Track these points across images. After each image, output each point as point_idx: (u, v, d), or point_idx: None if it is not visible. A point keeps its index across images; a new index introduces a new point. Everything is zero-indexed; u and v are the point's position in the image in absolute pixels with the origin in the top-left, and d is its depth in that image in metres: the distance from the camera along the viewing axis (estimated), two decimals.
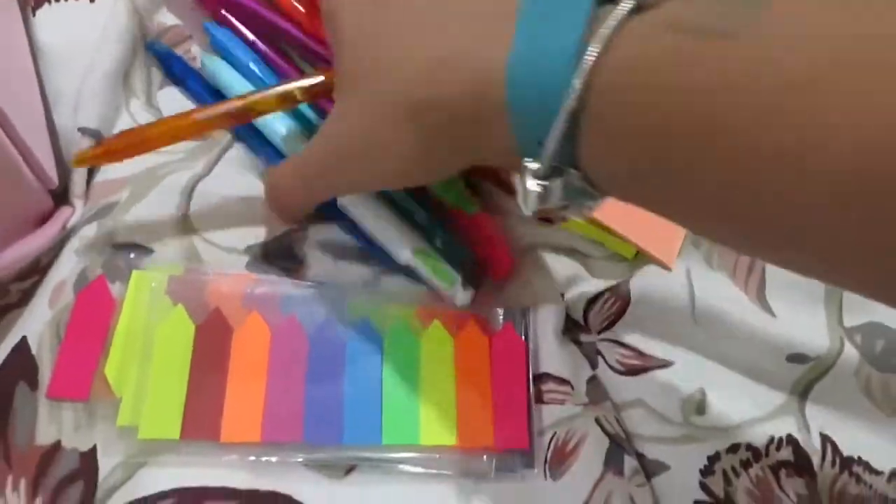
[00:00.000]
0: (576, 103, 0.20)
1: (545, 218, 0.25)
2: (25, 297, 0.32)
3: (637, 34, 0.20)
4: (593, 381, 0.33)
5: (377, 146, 0.26)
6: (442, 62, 0.24)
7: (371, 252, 0.34)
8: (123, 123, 0.36)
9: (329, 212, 0.33)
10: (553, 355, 0.33)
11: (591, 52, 0.20)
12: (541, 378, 0.32)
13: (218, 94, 0.36)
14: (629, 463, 0.31)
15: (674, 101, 0.19)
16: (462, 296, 0.32)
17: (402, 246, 0.32)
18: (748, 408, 0.33)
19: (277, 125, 0.34)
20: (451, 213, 0.34)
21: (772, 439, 0.32)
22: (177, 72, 0.37)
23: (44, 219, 0.33)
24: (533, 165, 0.23)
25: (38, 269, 0.32)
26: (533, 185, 0.23)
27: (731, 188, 0.19)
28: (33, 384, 0.30)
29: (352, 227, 0.33)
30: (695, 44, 0.19)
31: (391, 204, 0.33)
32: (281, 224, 0.34)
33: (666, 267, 0.34)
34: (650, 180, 0.21)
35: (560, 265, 0.35)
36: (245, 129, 0.35)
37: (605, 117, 0.21)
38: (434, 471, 0.30)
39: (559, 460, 0.31)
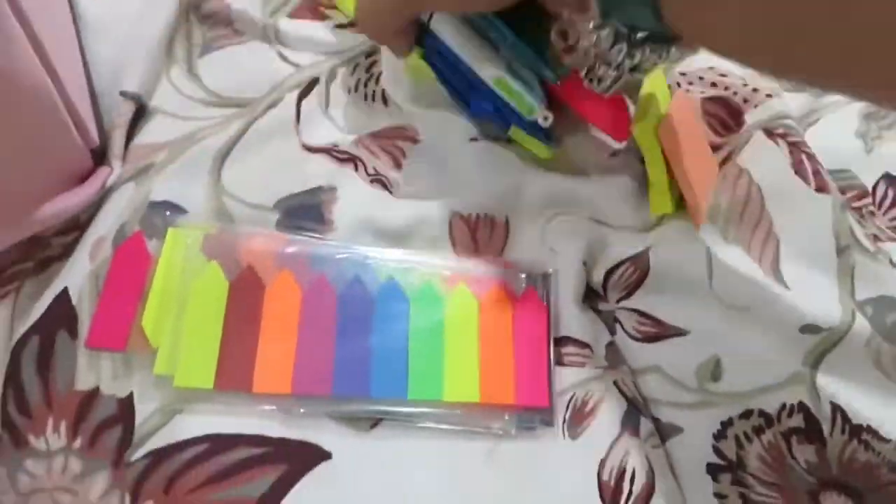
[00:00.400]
0: None
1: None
2: (67, 251, 0.33)
3: None
4: (612, 346, 0.34)
5: None
6: None
7: (452, 96, 0.35)
8: (163, 90, 0.37)
9: (422, 40, 0.34)
10: (573, 320, 0.34)
11: None
12: (561, 341, 0.33)
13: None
14: (645, 425, 0.32)
15: None
16: (542, 119, 0.33)
17: (486, 66, 0.33)
18: (761, 376, 0.33)
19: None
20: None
21: (783, 406, 0.33)
22: None
23: (84, 177, 0.34)
24: None
25: (78, 225, 0.34)
26: None
27: None
28: (73, 333, 0.31)
29: (441, 62, 0.34)
30: None
31: (479, 32, 0.34)
32: (374, 40, 0.35)
33: (696, 223, 0.35)
34: None
35: (582, 234, 0.36)
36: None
37: None
38: (456, 427, 0.31)
39: (578, 420, 0.32)
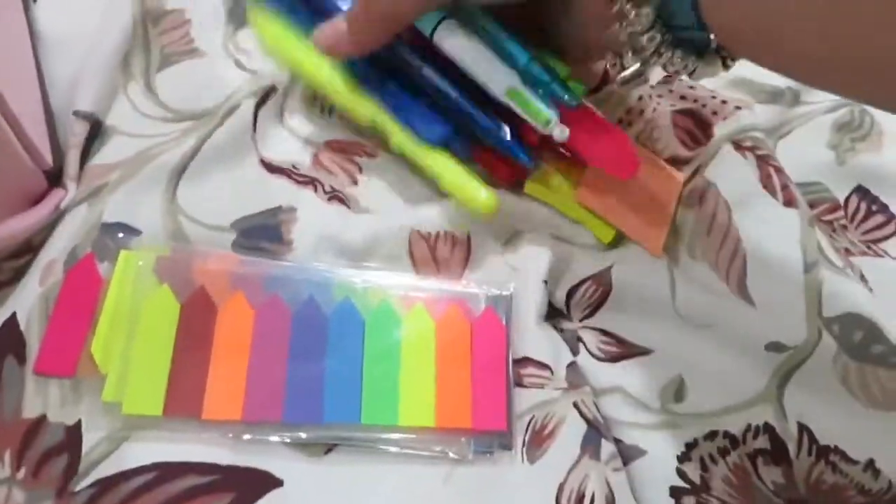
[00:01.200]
0: None
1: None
2: (17, 275, 0.33)
3: None
4: (573, 366, 0.33)
5: None
6: None
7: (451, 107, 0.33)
8: (121, 108, 0.37)
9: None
10: (534, 340, 0.33)
11: None
12: (521, 362, 0.33)
13: None
14: (606, 447, 0.31)
15: None
16: (559, 132, 0.31)
17: (498, 77, 0.32)
18: (726, 396, 0.33)
19: None
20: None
21: (749, 427, 0.32)
22: None
23: (38, 199, 0.34)
24: None
25: (31, 248, 0.33)
26: None
27: None
28: (21, 359, 0.30)
29: (442, 71, 0.33)
30: None
31: (488, 42, 0.32)
32: (366, 43, 0.33)
33: (654, 254, 0.35)
34: None
35: (543, 253, 0.35)
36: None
37: None
38: (412, 451, 0.30)
39: (537, 443, 0.31)
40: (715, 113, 0.38)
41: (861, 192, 0.39)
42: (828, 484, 0.32)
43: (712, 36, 0.29)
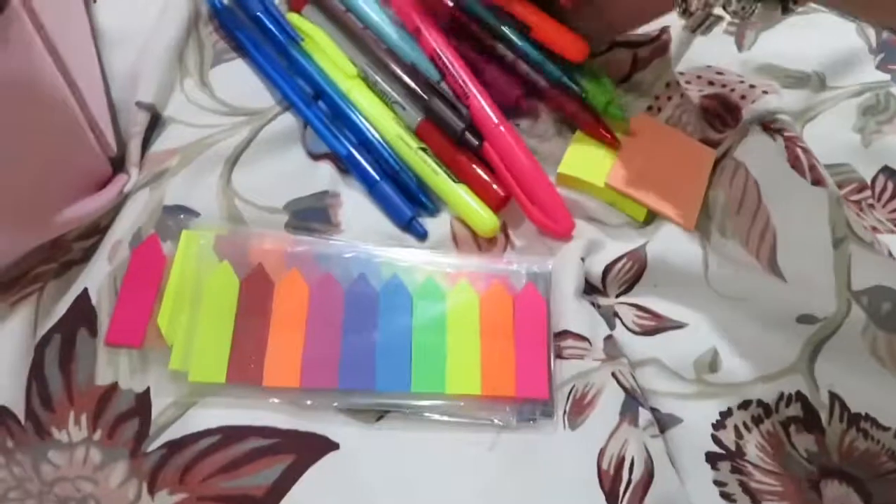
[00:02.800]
0: None
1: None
2: (87, 255, 0.35)
3: None
4: (610, 339, 0.34)
5: None
6: None
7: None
8: (177, 100, 0.39)
9: None
10: (572, 314, 0.34)
11: None
12: (561, 335, 0.34)
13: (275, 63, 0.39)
14: (644, 415, 0.33)
15: None
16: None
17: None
18: (759, 366, 0.34)
19: None
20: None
21: (781, 395, 0.33)
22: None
23: (103, 184, 0.36)
24: None
25: (98, 230, 0.35)
26: None
27: None
28: (93, 331, 0.32)
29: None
30: None
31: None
32: None
33: (686, 227, 0.36)
34: None
35: (579, 231, 0.37)
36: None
37: None
38: (459, 419, 0.32)
39: (577, 411, 0.33)
40: (743, 97, 0.40)
41: (888, 172, 0.40)
42: (860, 450, 0.33)
43: None
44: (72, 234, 0.35)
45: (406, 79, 0.37)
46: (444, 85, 0.37)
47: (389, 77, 0.38)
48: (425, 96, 0.36)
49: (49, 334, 0.32)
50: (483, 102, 0.36)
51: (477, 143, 0.36)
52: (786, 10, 0.32)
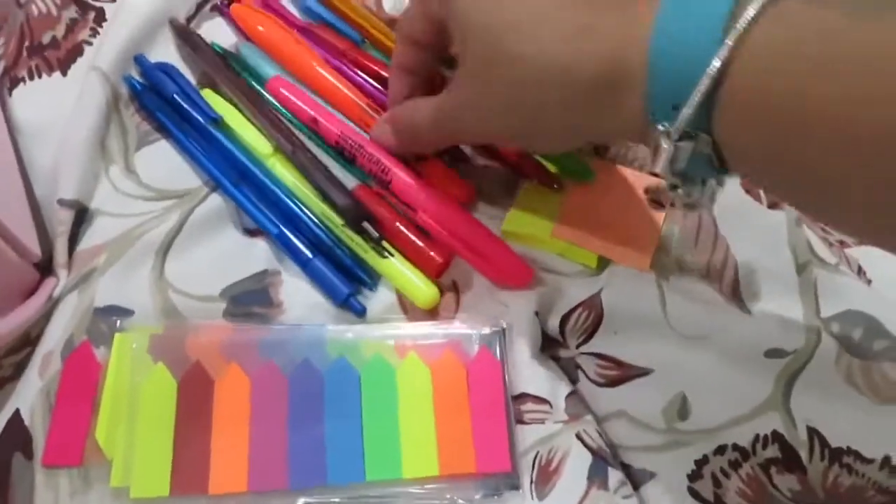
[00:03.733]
0: (719, 68, 0.22)
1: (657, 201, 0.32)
2: (19, 370, 0.33)
3: (783, 8, 0.22)
4: (572, 396, 0.33)
5: (522, 106, 0.28)
6: (588, 28, 0.26)
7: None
8: (103, 191, 0.37)
9: None
10: (530, 375, 0.33)
11: (742, 21, 0.22)
12: (520, 398, 0.33)
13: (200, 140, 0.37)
14: (614, 475, 0.31)
15: (816, 77, 0.21)
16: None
17: None
18: (731, 408, 0.32)
19: None
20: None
21: (757, 437, 0.32)
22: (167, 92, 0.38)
23: (31, 291, 0.34)
24: (664, 128, 0.24)
25: (29, 341, 0.34)
26: (666, 143, 0.25)
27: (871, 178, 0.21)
28: (28, 454, 0.31)
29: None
30: (839, 21, 0.21)
31: None
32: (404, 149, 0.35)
33: (641, 269, 0.34)
34: (783, 159, 0.23)
35: (532, 284, 0.35)
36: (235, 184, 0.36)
37: (746, 86, 0.22)
38: (419, 502, 0.30)
39: (544, 479, 0.31)
40: None
41: None
42: (845, 486, 0.31)
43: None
44: (1, 349, 0.33)
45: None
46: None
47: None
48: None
49: None
50: (404, 176, 0.35)
51: (377, 235, 0.35)
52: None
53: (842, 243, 0.36)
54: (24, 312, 0.33)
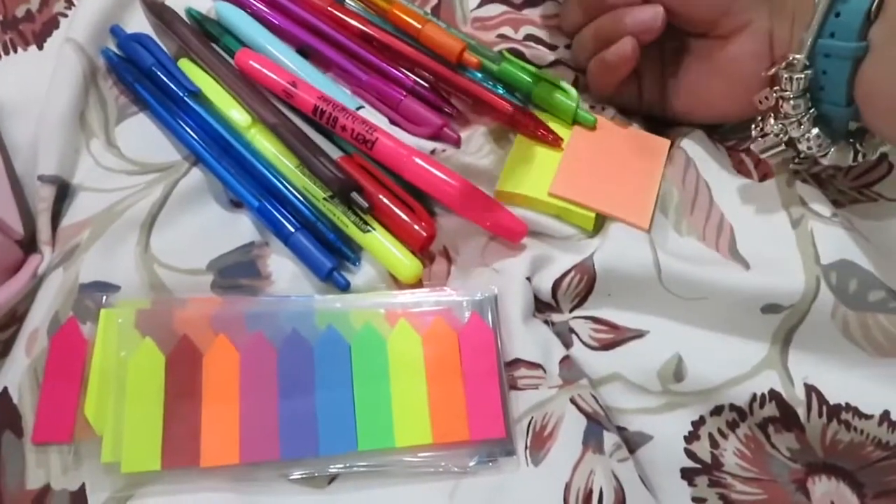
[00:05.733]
0: None
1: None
2: (6, 348, 0.33)
3: None
4: (566, 361, 0.32)
5: None
6: None
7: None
8: (85, 165, 0.37)
9: None
10: (523, 340, 0.32)
11: None
12: (513, 364, 0.32)
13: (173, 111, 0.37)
14: (609, 439, 0.31)
15: None
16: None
17: None
18: (728, 367, 0.32)
19: None
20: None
21: (754, 396, 0.31)
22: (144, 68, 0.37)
23: (15, 269, 0.34)
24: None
25: (15, 319, 0.33)
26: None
27: None
28: (18, 432, 0.31)
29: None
30: None
31: None
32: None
33: (641, 227, 0.34)
34: None
35: (523, 249, 0.34)
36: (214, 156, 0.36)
37: None
38: (413, 470, 0.30)
39: (538, 445, 0.31)
40: None
41: None
42: (844, 443, 0.31)
43: (853, 124, 0.31)
44: None
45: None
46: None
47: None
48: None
49: None
50: (389, 139, 0.34)
51: (367, 205, 0.34)
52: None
53: (836, 202, 0.35)
54: (9, 289, 0.33)
